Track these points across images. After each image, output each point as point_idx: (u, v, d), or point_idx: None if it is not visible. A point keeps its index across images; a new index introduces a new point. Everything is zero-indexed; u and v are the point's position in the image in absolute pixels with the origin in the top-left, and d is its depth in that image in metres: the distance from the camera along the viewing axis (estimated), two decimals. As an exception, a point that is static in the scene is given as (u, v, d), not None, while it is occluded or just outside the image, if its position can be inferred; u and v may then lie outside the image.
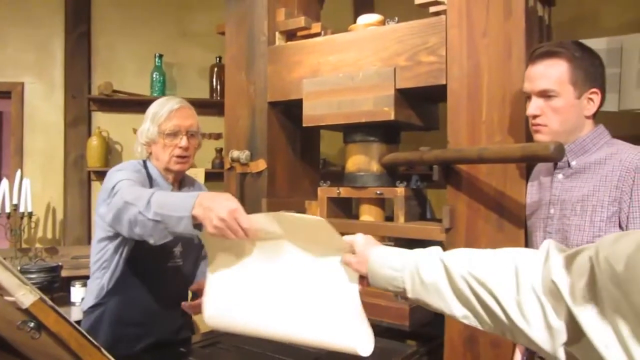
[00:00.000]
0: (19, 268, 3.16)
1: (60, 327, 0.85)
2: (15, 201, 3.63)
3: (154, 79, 3.96)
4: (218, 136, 4.07)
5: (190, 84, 4.18)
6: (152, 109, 1.90)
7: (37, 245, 3.90)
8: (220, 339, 1.94)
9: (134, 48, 4.11)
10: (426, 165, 1.87)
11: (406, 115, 2.05)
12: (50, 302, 0.88)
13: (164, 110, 1.87)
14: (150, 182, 1.88)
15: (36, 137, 3.98)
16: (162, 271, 1.84)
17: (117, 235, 1.75)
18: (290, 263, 1.40)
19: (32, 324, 0.82)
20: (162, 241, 1.51)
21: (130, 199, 1.51)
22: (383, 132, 2.14)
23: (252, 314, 1.44)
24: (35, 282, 3.13)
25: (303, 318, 1.38)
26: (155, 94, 3.96)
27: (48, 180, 3.95)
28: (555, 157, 1.46)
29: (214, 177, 3.82)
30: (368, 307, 1.98)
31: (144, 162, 1.94)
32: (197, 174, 3.93)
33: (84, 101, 3.98)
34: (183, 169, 1.93)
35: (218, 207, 1.33)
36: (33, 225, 3.80)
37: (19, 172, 3.70)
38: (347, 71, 2.10)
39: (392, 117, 1.95)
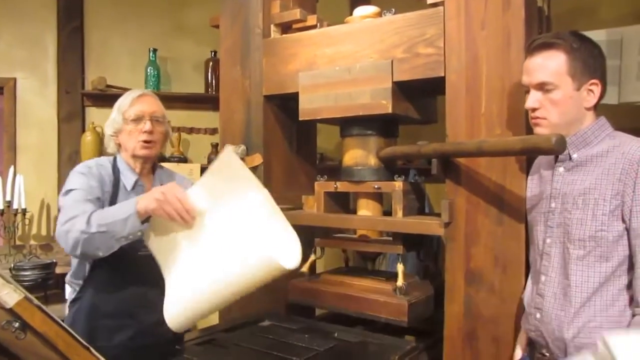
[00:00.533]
0: (12, 265, 3.12)
1: (47, 327, 0.82)
2: (8, 198, 3.59)
3: (149, 74, 3.91)
4: (214, 131, 4.03)
5: (185, 78, 4.13)
6: (118, 102, 1.97)
7: (32, 242, 3.86)
8: (216, 336, 1.92)
9: (127, 42, 4.05)
10: (424, 159, 1.84)
11: (404, 108, 2.02)
12: (36, 302, 0.85)
13: (127, 99, 1.94)
14: (116, 174, 1.91)
15: (30, 133, 3.92)
16: (133, 260, 1.82)
17: None
18: (213, 226, 1.55)
19: (17, 324, 0.79)
20: (109, 252, 1.65)
21: (67, 225, 1.64)
22: (380, 126, 2.11)
23: (198, 289, 1.54)
24: (30, 280, 3.10)
25: (229, 261, 1.50)
26: (149, 89, 3.91)
27: (42, 176, 3.90)
28: (557, 149, 1.43)
29: (210, 173, 3.76)
30: (366, 303, 1.99)
31: (115, 158, 1.98)
32: (193, 169, 3.89)
33: (78, 96, 3.93)
34: (149, 154, 1.95)
35: (155, 190, 1.59)
36: (27, 222, 3.76)
37: (12, 169, 3.66)
38: (343, 64, 2.07)
39: (389, 110, 1.92)
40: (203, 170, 3.86)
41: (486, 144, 1.61)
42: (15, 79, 3.91)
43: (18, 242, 3.75)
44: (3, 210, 3.59)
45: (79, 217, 1.65)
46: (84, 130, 3.93)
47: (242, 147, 2.35)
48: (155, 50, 3.94)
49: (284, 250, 1.49)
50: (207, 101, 3.99)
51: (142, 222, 1.62)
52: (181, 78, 4.14)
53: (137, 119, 1.90)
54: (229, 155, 1.55)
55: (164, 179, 2.02)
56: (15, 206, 3.58)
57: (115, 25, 4.04)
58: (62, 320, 0.92)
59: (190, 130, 4.00)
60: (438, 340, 1.91)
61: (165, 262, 1.67)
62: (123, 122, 1.91)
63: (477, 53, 1.79)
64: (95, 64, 4.00)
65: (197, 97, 4.02)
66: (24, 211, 3.61)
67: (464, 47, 1.80)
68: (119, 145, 1.97)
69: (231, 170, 1.55)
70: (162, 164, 3.75)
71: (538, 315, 1.56)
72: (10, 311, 0.79)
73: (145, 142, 1.90)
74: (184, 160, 3.97)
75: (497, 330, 1.72)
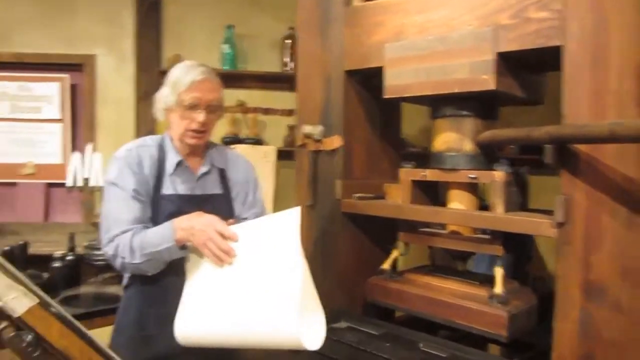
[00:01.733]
0: (86, 244, 3.07)
1: (67, 342, 0.63)
2: (86, 175, 3.57)
3: (224, 52, 3.78)
4: (290, 112, 3.85)
5: (261, 56, 3.97)
6: (174, 74, 1.74)
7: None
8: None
9: (204, 18, 3.94)
10: (535, 145, 1.54)
11: (508, 84, 1.73)
12: (55, 308, 0.66)
13: (186, 79, 1.70)
14: (161, 155, 1.77)
15: (108, 111, 3.92)
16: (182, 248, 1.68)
17: None
18: (247, 271, 1.49)
19: (29, 337, 0.61)
20: (157, 271, 1.64)
21: (112, 249, 1.63)
22: (479, 106, 1.84)
23: (217, 323, 1.49)
24: (101, 259, 3.03)
25: (250, 318, 1.44)
26: (225, 67, 3.78)
27: (119, 154, 3.88)
28: None
29: (286, 156, 3.60)
30: (457, 310, 1.73)
31: (163, 137, 1.82)
32: (268, 152, 3.74)
33: (155, 74, 3.86)
34: (198, 143, 1.77)
35: (196, 223, 1.54)
36: (104, 199, 3.74)
37: (89, 146, 3.64)
38: (436, 33, 1.81)
39: (492, 86, 1.65)
40: (279, 153, 3.71)
41: (620, 126, 1.29)
42: (94, 56, 3.91)
43: (95, 220, 3.75)
44: (82, 187, 3.59)
45: (121, 241, 1.62)
46: (160, 109, 3.86)
47: (320, 128, 2.13)
48: (231, 27, 3.79)
49: (310, 329, 1.42)
50: (284, 80, 3.81)
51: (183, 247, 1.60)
52: (257, 56, 3.98)
53: (192, 107, 1.70)
54: (296, 214, 1.50)
55: (216, 160, 1.84)
56: (92, 183, 3.56)
57: (192, 0, 3.92)
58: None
59: (266, 111, 3.84)
60: (537, 356, 1.64)
61: (191, 278, 1.61)
62: (176, 104, 1.71)
63: (605, 17, 1.45)
64: (172, 41, 3.93)
65: (274, 77, 3.85)
66: (101, 189, 3.58)
67: (589, 9, 1.48)
68: (168, 119, 1.79)
69: (286, 227, 1.50)
70: (236, 145, 3.69)
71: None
72: (21, 321, 0.61)
73: (196, 131, 1.72)
74: (259, 142, 3.83)
75: (622, 357, 1.41)
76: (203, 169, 1.78)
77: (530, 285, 1.91)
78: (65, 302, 2.44)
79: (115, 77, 3.93)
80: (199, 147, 1.79)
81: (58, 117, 3.92)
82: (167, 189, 1.73)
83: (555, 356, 1.53)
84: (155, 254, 1.58)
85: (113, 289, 2.58)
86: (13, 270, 0.64)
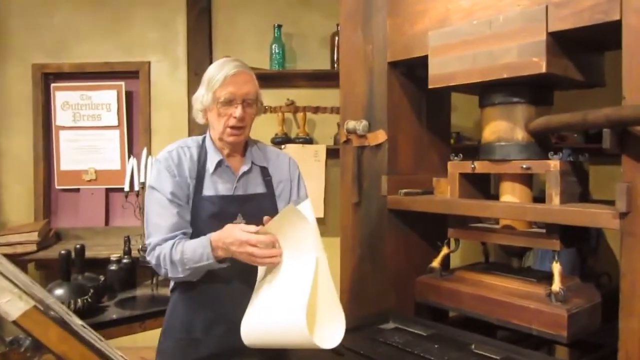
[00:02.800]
0: (140, 246, 3.13)
1: (67, 347, 0.60)
2: (142, 179, 3.65)
3: (273, 52, 3.77)
4: (340, 110, 3.78)
5: (310, 54, 3.93)
6: (208, 73, 1.72)
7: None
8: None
9: (253, 19, 3.94)
10: (591, 130, 1.42)
11: (562, 67, 1.60)
12: (55, 311, 0.63)
13: (220, 75, 1.67)
14: (202, 155, 1.75)
15: (162, 115, 4.00)
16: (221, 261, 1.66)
17: None
18: (281, 270, 1.50)
19: (26, 343, 0.59)
20: (200, 277, 1.65)
21: (154, 257, 1.64)
22: (530, 91, 1.72)
23: (255, 323, 1.50)
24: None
25: (270, 317, 1.45)
26: (274, 67, 3.77)
27: (174, 158, 3.95)
28: None
29: (336, 154, 3.54)
30: (513, 310, 1.62)
31: (204, 137, 1.81)
32: (318, 150, 3.70)
33: (206, 78, 3.91)
34: (237, 140, 1.73)
35: (231, 244, 1.51)
36: (159, 203, 3.81)
37: (145, 150, 3.72)
38: (483, 16, 1.70)
39: (543, 69, 1.53)
40: (329, 151, 3.66)
41: (687, 105, 1.16)
42: (149, 63, 4.00)
43: (150, 224, 3.83)
44: (138, 191, 3.67)
45: (162, 252, 1.62)
46: (212, 113, 3.90)
47: (364, 122, 2.07)
48: (280, 27, 3.78)
49: (325, 327, 1.43)
50: (333, 78, 3.72)
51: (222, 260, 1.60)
52: (306, 54, 3.95)
53: (228, 102, 1.67)
54: (291, 212, 1.47)
55: (257, 158, 1.80)
56: (148, 188, 3.63)
57: (242, 1, 3.95)
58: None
59: (316, 110, 3.79)
60: (606, 357, 1.51)
61: (258, 279, 1.61)
62: (212, 102, 1.69)
63: (668, -14, 1.32)
64: (222, 44, 3.96)
65: (322, 74, 3.80)
66: (153, 192, 3.65)
67: (650, -21, 1.34)
68: (207, 121, 1.77)
69: (297, 225, 1.47)
70: (287, 145, 3.67)
71: None
72: (17, 325, 0.59)
73: (234, 127, 1.69)
74: (309, 141, 3.79)
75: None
76: (244, 168, 1.76)
77: (594, 281, 1.77)
78: (121, 304, 2.48)
79: (168, 82, 4.00)
80: (239, 144, 1.77)
81: (115, 123, 4.03)
82: (208, 190, 1.71)
83: (622, 356, 1.40)
84: (198, 269, 1.59)
85: (167, 291, 2.62)
86: (13, 270, 0.62)
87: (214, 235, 1.56)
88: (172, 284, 1.79)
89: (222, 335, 1.68)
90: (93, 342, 0.65)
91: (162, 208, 1.66)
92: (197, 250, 1.57)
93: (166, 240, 1.63)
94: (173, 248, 1.61)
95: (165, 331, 1.78)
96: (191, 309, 1.72)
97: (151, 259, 1.66)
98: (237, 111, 1.66)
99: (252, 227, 1.51)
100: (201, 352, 1.68)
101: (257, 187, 1.77)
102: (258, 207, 1.71)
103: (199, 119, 1.76)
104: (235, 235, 1.51)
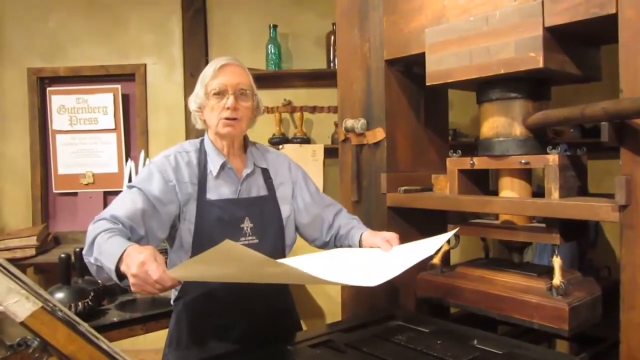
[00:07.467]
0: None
1: (75, 347, 0.60)
2: (140, 182, 3.65)
3: (269, 52, 3.77)
4: (337, 109, 3.78)
5: (306, 54, 3.93)
6: (202, 72, 1.73)
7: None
8: (334, 336, 1.67)
9: (248, 20, 3.94)
10: (587, 125, 1.43)
11: (559, 61, 1.61)
12: (62, 312, 0.63)
13: (210, 69, 1.68)
14: (202, 158, 1.71)
15: (159, 118, 3.99)
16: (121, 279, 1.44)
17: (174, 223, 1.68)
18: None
19: (34, 344, 0.59)
20: (108, 283, 1.53)
21: (91, 226, 1.45)
22: (528, 86, 1.73)
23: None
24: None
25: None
26: (271, 68, 3.77)
27: (171, 160, 3.94)
28: None
29: (333, 154, 3.54)
30: (514, 304, 1.63)
31: (202, 139, 1.78)
32: (316, 150, 3.70)
33: (202, 79, 3.91)
34: (232, 132, 1.70)
35: (131, 261, 1.24)
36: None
37: (142, 153, 3.72)
38: (479, 12, 1.71)
39: (540, 64, 1.54)
40: (326, 151, 3.66)
41: (685, 97, 1.16)
42: (145, 65, 3.99)
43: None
44: (136, 194, 3.67)
45: (98, 228, 1.42)
46: (209, 114, 3.90)
47: (362, 121, 2.07)
48: (275, 27, 3.78)
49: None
50: (329, 77, 3.73)
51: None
52: (302, 54, 3.95)
53: (220, 93, 1.65)
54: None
55: (257, 159, 1.79)
56: (146, 190, 3.63)
57: (236, 2, 3.95)
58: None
59: (313, 109, 3.78)
60: (608, 349, 1.51)
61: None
62: (205, 97, 1.68)
63: (665, -21, 1.33)
64: (218, 45, 3.95)
65: (319, 74, 3.80)
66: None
67: (645, -29, 1.35)
68: (205, 122, 1.74)
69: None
70: (284, 145, 3.68)
71: None
72: (26, 326, 0.59)
73: (228, 119, 1.66)
74: (306, 140, 3.79)
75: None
76: (247, 170, 1.74)
77: (594, 274, 1.78)
78: (122, 307, 2.48)
79: (165, 84, 4.00)
80: (236, 139, 1.74)
81: (112, 126, 4.03)
82: (212, 194, 1.67)
83: (623, 349, 1.41)
84: (101, 267, 1.35)
85: (167, 294, 2.61)
86: (17, 273, 0.62)
87: (130, 248, 1.30)
88: (175, 293, 1.74)
89: (240, 337, 1.66)
90: (100, 344, 0.66)
91: (132, 202, 1.55)
92: (113, 249, 1.33)
93: (113, 222, 1.46)
94: (105, 231, 1.40)
95: (171, 343, 1.71)
96: (199, 318, 1.67)
97: (88, 232, 1.45)
98: (229, 101, 1.64)
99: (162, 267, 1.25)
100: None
101: (259, 189, 1.76)
102: (262, 210, 1.71)
103: (198, 123, 1.75)
104: (146, 263, 1.22)
